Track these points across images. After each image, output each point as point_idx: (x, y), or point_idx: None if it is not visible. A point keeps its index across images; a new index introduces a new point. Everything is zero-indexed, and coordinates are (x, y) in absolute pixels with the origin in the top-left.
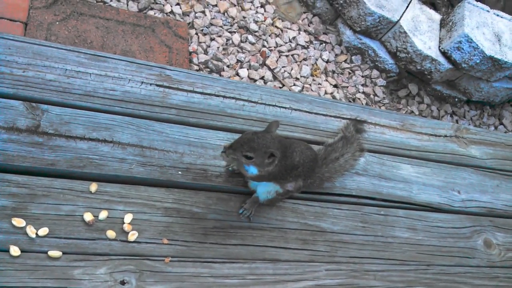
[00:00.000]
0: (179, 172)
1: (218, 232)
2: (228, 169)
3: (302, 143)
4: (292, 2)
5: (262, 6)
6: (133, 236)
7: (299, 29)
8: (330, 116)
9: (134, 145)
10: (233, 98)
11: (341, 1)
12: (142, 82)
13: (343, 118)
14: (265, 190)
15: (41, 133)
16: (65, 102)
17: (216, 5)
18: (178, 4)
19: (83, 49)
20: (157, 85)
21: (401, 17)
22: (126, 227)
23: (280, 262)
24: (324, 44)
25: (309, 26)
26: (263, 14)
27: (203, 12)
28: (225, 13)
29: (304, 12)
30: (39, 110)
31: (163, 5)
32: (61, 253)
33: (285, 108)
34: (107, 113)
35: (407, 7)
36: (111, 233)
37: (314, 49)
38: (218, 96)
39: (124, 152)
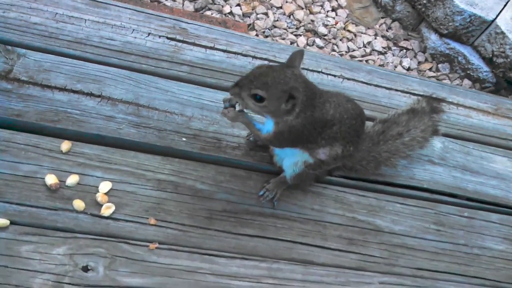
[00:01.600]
0: (183, 139)
1: (229, 218)
2: (249, 139)
3: (340, 93)
4: (369, 6)
5: (334, 10)
6: (108, 210)
7: (376, 34)
8: (396, 90)
9: (128, 102)
10: (265, 59)
11: (425, 1)
12: (149, 34)
13: (414, 94)
14: (290, 162)
15: (12, 79)
16: (48, 48)
17: (281, 7)
18: (238, 5)
19: None
20: (168, 38)
21: (497, 15)
22: (101, 197)
23: (313, 266)
24: (405, 51)
25: (387, 31)
26: (334, 18)
27: (266, 13)
28: (291, 16)
29: (382, 17)
30: (15, 54)
31: (222, 6)
32: (8, 222)
33: (335, 76)
34: (99, 63)
35: (506, 3)
36: (79, 204)
37: (393, 55)
38: (246, 56)
39: (113, 109)
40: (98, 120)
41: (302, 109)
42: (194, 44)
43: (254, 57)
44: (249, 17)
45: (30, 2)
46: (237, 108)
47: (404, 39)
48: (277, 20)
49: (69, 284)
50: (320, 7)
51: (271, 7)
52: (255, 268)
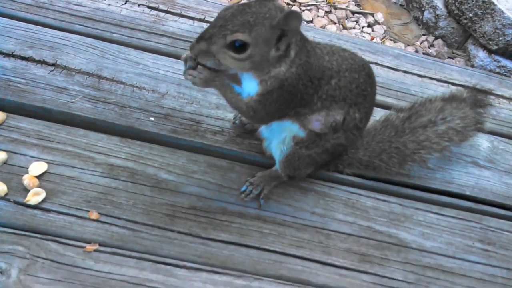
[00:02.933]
0: (151, 118)
1: (198, 217)
2: (236, 123)
3: (339, 47)
4: (409, 23)
5: (370, 25)
6: (36, 196)
7: (416, 51)
8: (431, 78)
9: (87, 73)
10: None
11: (471, 15)
12: (126, 1)
13: (454, 84)
14: (277, 140)
15: None
16: (0, 10)
17: (311, 21)
18: None
19: None
20: (149, 7)
21: None
22: (28, 180)
23: None
24: None
25: (429, 48)
26: (369, 34)
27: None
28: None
29: (424, 34)
30: None
31: None
32: None
33: None
34: (60, 30)
35: None
36: (1, 187)
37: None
38: None
39: (68, 79)
40: (45, 91)
41: (297, 53)
42: (180, 15)
43: None
44: None
45: None
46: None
47: (449, 57)
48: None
49: None
50: (355, 23)
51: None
52: (227, 285)
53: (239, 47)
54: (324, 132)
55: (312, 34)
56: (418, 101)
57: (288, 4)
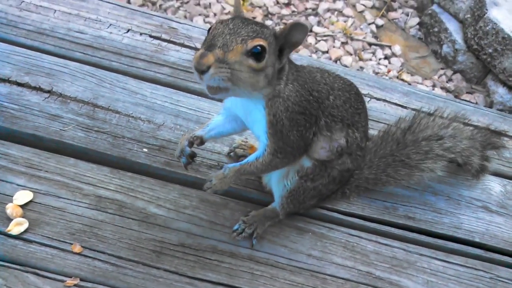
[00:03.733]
0: (145, 149)
1: (186, 255)
2: (231, 156)
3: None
4: (427, 57)
5: (387, 58)
6: (18, 226)
7: (434, 85)
8: (441, 117)
9: (83, 101)
10: None
11: (490, 50)
12: (129, 30)
13: (466, 124)
14: (279, 175)
15: None
16: (1, 36)
17: (327, 52)
18: None
19: None
20: (152, 36)
21: None
22: (11, 209)
23: None
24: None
25: (447, 83)
26: (386, 66)
27: (310, 57)
28: (338, 61)
29: (442, 68)
30: None
31: None
32: None
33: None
34: (59, 57)
35: None
36: None
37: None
38: None
39: (62, 107)
40: (38, 118)
41: (288, 69)
42: (182, 45)
43: None
44: None
45: None
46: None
47: (467, 92)
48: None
49: None
50: (372, 54)
51: (316, 51)
52: None
53: (258, 54)
54: (331, 158)
55: (318, 64)
56: (417, 116)
57: None
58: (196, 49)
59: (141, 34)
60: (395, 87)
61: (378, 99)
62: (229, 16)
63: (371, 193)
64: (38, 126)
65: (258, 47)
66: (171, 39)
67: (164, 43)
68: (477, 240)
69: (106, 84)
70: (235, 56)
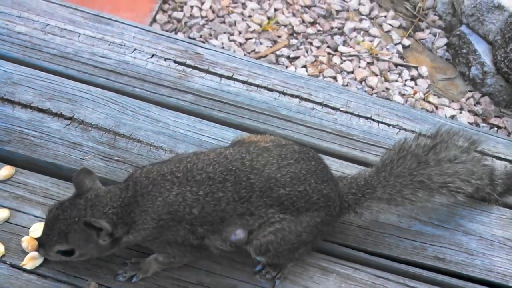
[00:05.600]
0: None
1: None
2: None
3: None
4: (454, 78)
5: (413, 79)
6: (33, 261)
7: (461, 108)
8: (484, 153)
9: (104, 128)
10: (296, 96)
11: None
12: (153, 55)
13: (498, 159)
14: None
15: None
16: (25, 59)
17: (352, 72)
18: (304, 66)
19: (84, 7)
20: (176, 62)
21: None
22: (27, 243)
23: None
24: (496, 129)
25: (475, 106)
26: (412, 87)
27: (334, 77)
28: (363, 82)
29: (470, 91)
30: None
31: (286, 66)
32: None
33: (389, 125)
34: (82, 82)
35: None
36: None
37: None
38: (271, 90)
39: (83, 134)
40: (59, 146)
41: (130, 221)
42: (207, 71)
43: (282, 93)
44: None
45: (21, 11)
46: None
47: (496, 116)
48: (347, 85)
49: None
50: (398, 75)
51: (341, 71)
52: None
53: (66, 252)
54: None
55: (346, 97)
56: (444, 130)
57: (329, 54)
58: (221, 76)
59: (165, 59)
60: (425, 118)
61: (407, 130)
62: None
63: (399, 231)
64: (58, 154)
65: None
66: (196, 65)
67: (189, 69)
68: (511, 284)
69: (129, 111)
70: (53, 255)
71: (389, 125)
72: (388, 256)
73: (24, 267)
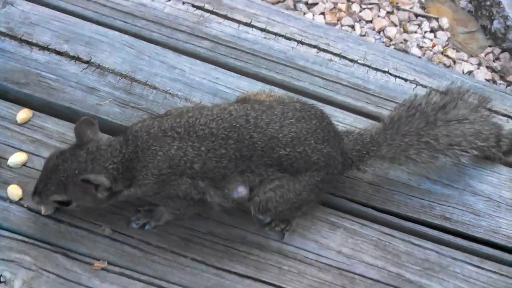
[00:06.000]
0: None
1: (214, 244)
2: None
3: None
4: (475, 32)
5: (433, 31)
6: (50, 205)
7: (479, 64)
8: (490, 110)
9: (121, 74)
10: (314, 46)
11: None
12: None
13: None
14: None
15: None
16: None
17: (370, 21)
18: (322, 13)
19: None
20: (194, 6)
21: None
22: None
23: None
24: None
25: (494, 62)
26: (431, 40)
27: (352, 26)
28: (381, 32)
29: (490, 46)
30: (1, 0)
31: (304, 13)
32: None
33: (406, 80)
34: (99, 24)
35: None
36: (15, 191)
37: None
38: (289, 39)
39: (100, 79)
40: (75, 90)
41: (130, 176)
42: (225, 17)
43: (300, 42)
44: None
45: None
46: None
47: None
48: (364, 35)
49: None
50: (417, 27)
51: (359, 20)
52: None
53: (63, 203)
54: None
55: (365, 48)
56: (455, 87)
57: (349, 1)
58: (239, 22)
59: (183, 3)
60: (443, 74)
61: (424, 86)
62: None
63: (408, 189)
64: (75, 99)
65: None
66: (214, 10)
67: (207, 14)
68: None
69: (145, 56)
70: (48, 203)
71: (406, 80)
72: (396, 213)
73: (42, 211)
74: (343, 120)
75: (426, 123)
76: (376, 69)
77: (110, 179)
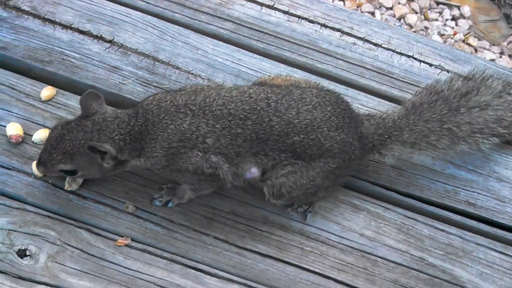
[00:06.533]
0: None
1: (237, 224)
2: None
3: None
4: (498, 21)
5: (454, 19)
6: (74, 183)
7: (501, 52)
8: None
9: (143, 53)
10: (338, 30)
11: None
12: None
13: None
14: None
15: (11, 7)
16: None
17: (391, 8)
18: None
19: None
20: None
21: None
22: None
23: None
24: None
25: None
26: (452, 28)
27: (372, 13)
28: (401, 19)
29: None
30: None
31: None
32: None
33: (431, 65)
34: (122, 5)
35: None
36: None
37: None
38: (312, 22)
39: (123, 58)
40: (98, 69)
41: (139, 147)
42: None
43: (324, 25)
44: None
45: None
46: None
47: None
48: (384, 21)
49: None
50: (438, 14)
51: (380, 7)
52: None
53: (69, 172)
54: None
55: (389, 33)
56: (479, 73)
57: None
58: (262, 4)
59: None
60: (469, 59)
61: (449, 72)
62: None
63: (432, 173)
64: (98, 77)
65: (64, 170)
66: None
67: None
68: None
69: (168, 37)
70: (53, 173)
71: (431, 65)
72: (419, 197)
73: (66, 187)
74: (366, 104)
75: (449, 110)
76: (401, 54)
77: (116, 149)
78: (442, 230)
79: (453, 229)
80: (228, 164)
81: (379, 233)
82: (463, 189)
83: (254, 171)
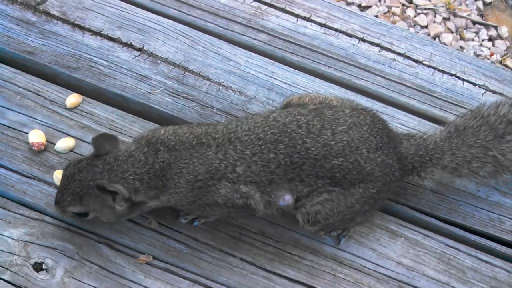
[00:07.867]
0: None
1: (265, 246)
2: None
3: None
4: None
5: (491, 39)
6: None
7: None
8: None
9: (173, 63)
10: (376, 45)
11: None
12: None
13: None
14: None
15: (41, 12)
16: None
17: (425, 27)
18: (376, 16)
19: None
20: None
21: None
22: None
23: None
24: None
25: None
26: (489, 48)
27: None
28: (437, 38)
29: None
30: None
31: None
32: None
33: (475, 84)
34: (153, 12)
35: None
36: (60, 178)
37: None
38: (351, 36)
39: (152, 68)
40: (127, 77)
41: (159, 185)
42: (283, 10)
43: (362, 39)
44: None
45: None
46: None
47: None
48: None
49: (7, 282)
50: (475, 34)
51: (414, 25)
52: None
53: (80, 214)
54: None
55: (430, 49)
56: None
57: (403, 5)
58: (298, 16)
59: None
60: None
61: (494, 92)
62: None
63: (476, 200)
64: (126, 86)
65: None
66: (272, 3)
67: (264, 7)
68: None
69: (199, 46)
70: (68, 215)
71: (475, 84)
72: (462, 225)
73: None
74: (406, 123)
75: (494, 137)
76: (443, 71)
77: (129, 190)
78: (486, 262)
79: (498, 261)
80: (260, 193)
81: (417, 262)
82: (508, 217)
83: (288, 198)
